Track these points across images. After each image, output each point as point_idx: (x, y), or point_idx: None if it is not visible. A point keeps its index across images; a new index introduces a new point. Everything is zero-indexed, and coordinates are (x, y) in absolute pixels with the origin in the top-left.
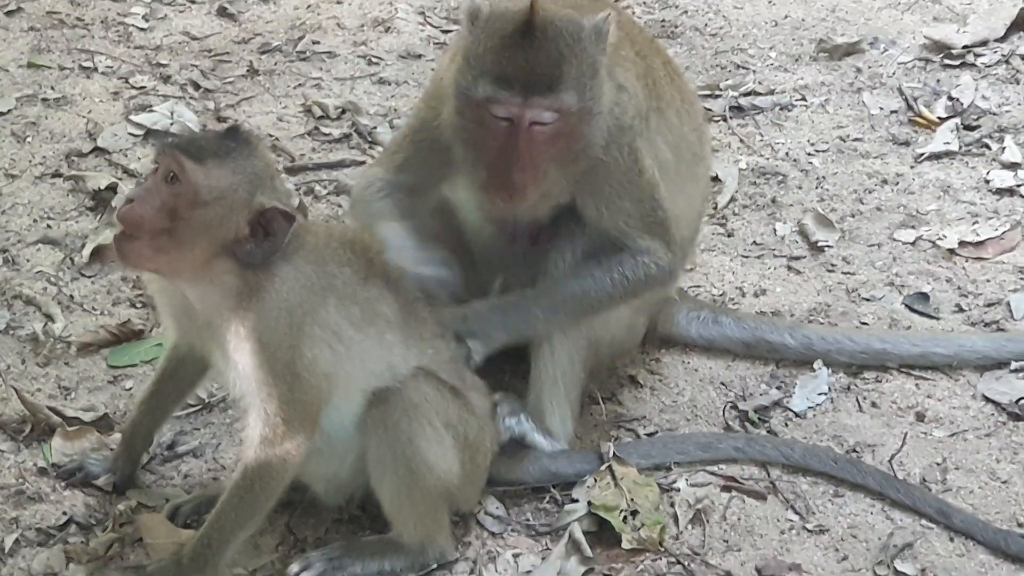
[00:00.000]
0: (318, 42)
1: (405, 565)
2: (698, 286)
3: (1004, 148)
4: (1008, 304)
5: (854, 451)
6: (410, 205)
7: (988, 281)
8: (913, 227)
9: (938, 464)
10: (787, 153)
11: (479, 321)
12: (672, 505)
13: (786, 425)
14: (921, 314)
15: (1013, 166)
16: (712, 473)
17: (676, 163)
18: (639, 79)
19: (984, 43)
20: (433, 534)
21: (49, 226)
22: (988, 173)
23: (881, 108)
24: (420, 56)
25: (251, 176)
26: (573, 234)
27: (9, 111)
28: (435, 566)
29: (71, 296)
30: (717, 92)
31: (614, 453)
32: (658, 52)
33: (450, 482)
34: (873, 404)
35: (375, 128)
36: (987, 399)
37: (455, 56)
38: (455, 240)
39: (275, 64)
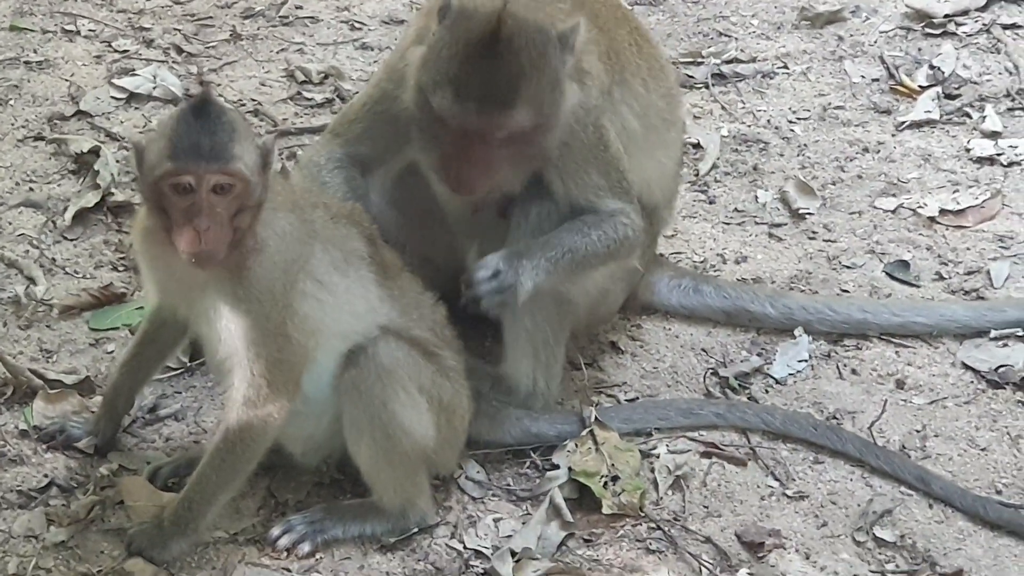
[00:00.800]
0: (301, 7)
1: (386, 528)
2: (679, 252)
3: (985, 117)
4: (988, 272)
5: (834, 418)
6: (363, 184)
7: (968, 249)
8: (894, 195)
9: (918, 431)
10: (769, 121)
11: (520, 261)
12: (652, 471)
13: (767, 392)
14: (901, 282)
15: (993, 135)
16: (692, 439)
17: (644, 132)
18: (601, 58)
19: (965, 12)
20: (413, 498)
21: (31, 189)
22: (969, 142)
23: (863, 76)
24: (403, 22)
25: (247, 130)
26: (543, 203)
27: None
28: (416, 529)
29: (53, 259)
30: (699, 59)
31: (595, 418)
32: (625, 21)
33: (427, 446)
34: (853, 371)
35: (357, 93)
36: (967, 367)
37: (420, 37)
38: (429, 204)
39: (258, 29)
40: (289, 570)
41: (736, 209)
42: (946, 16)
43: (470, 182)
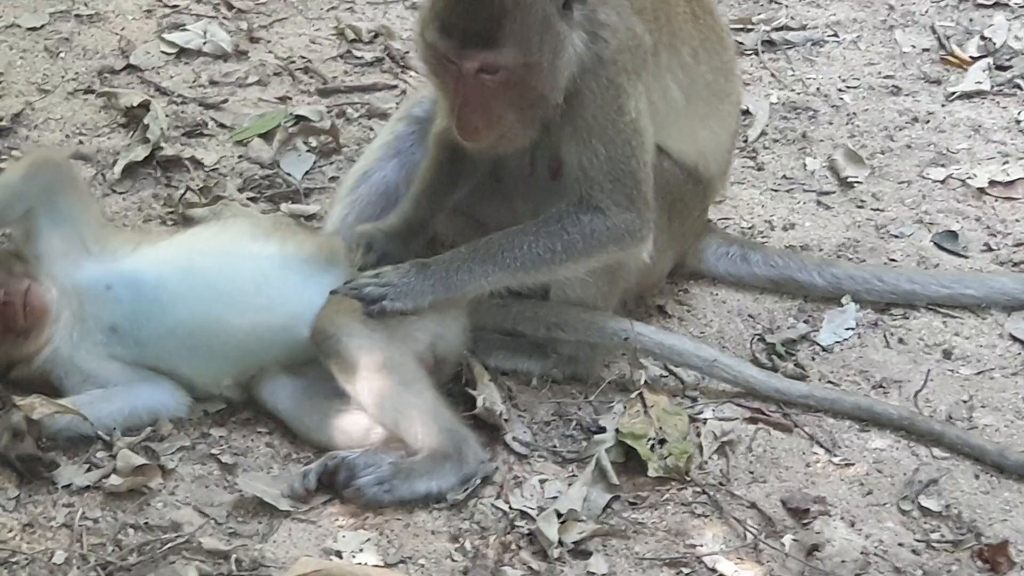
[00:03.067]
0: None
1: (451, 482)
2: (727, 218)
3: None
4: None
5: (880, 386)
6: (409, 142)
7: (1017, 221)
8: (943, 165)
9: (964, 402)
10: (818, 88)
11: (398, 280)
12: (698, 435)
13: (813, 359)
14: (949, 252)
15: None
16: (739, 405)
17: (687, 102)
18: (638, 13)
19: None
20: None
21: (81, 142)
22: (1019, 113)
23: (913, 46)
24: None
25: None
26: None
27: (42, 26)
28: (480, 478)
29: (102, 212)
30: (749, 26)
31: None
32: None
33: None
34: (900, 340)
35: (407, 53)
36: (1014, 338)
37: None
38: (486, 179)
39: None
40: (339, 524)
41: (784, 176)
42: None
43: (474, 126)
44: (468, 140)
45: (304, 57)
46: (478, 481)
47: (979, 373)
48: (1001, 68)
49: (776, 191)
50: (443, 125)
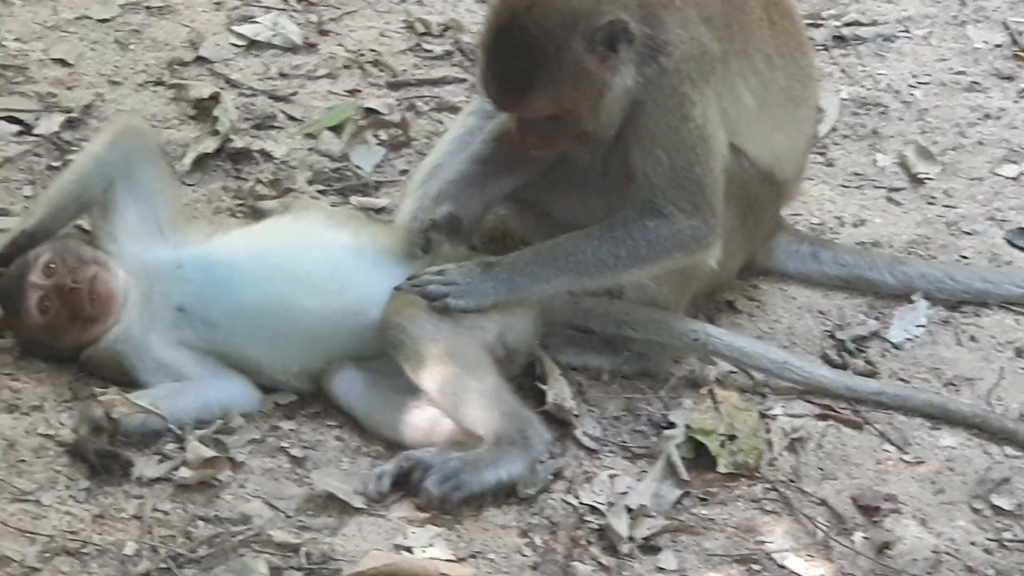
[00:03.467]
0: None
1: (519, 469)
2: (797, 214)
3: None
4: None
5: (951, 384)
6: (480, 135)
7: None
8: (1015, 162)
9: None
10: (889, 84)
11: (462, 279)
12: (768, 432)
13: (883, 356)
14: (1022, 249)
15: None
16: (809, 401)
17: (760, 108)
18: (706, 22)
19: None
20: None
21: (155, 137)
22: None
23: (985, 42)
24: None
25: None
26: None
27: (113, 18)
28: (548, 459)
29: (180, 206)
30: (819, 21)
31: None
32: None
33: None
34: (972, 338)
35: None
36: None
37: None
38: (558, 175)
39: None
40: (408, 520)
41: (855, 172)
42: None
43: (533, 147)
44: (531, 154)
45: (374, 50)
46: (550, 476)
47: None
48: None
49: (846, 187)
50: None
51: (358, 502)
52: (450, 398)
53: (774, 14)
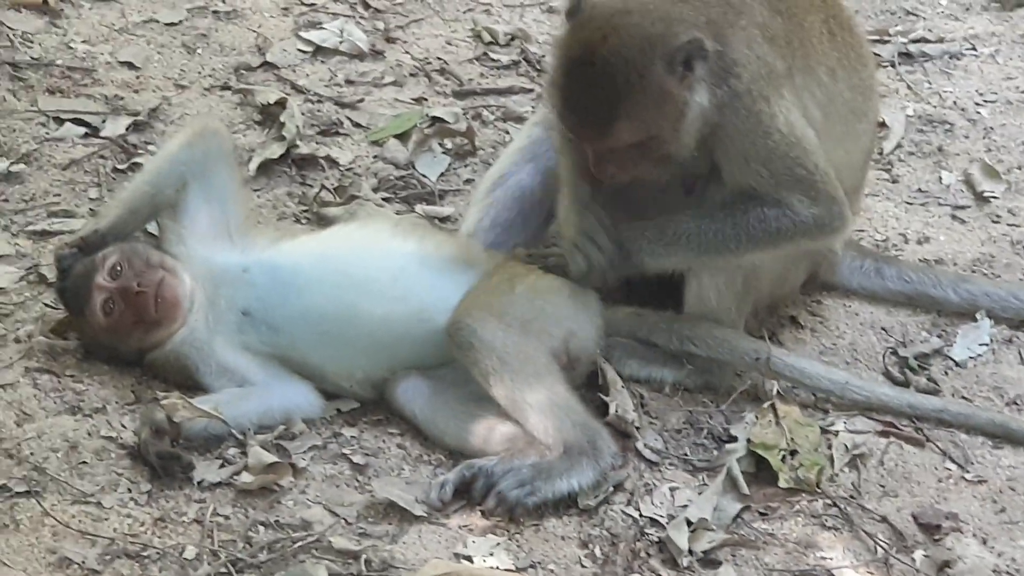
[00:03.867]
0: None
1: (589, 478)
2: (862, 230)
3: None
4: None
5: (1014, 403)
6: (545, 146)
7: None
8: None
9: None
10: (955, 102)
11: (582, 252)
12: (830, 447)
13: (946, 374)
14: None
15: None
16: (870, 418)
17: (826, 121)
18: (770, 42)
19: None
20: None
21: (231, 139)
22: None
23: None
24: None
25: None
26: (721, 185)
27: (180, 22)
28: (615, 467)
29: (248, 211)
30: (886, 38)
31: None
32: (820, 7)
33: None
34: None
35: (544, 57)
36: None
37: None
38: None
39: None
40: (468, 528)
41: (920, 189)
42: None
43: (606, 176)
44: (609, 184)
45: (440, 58)
46: (610, 488)
47: None
48: None
49: (911, 204)
50: None
51: (419, 510)
52: (518, 404)
53: (834, 27)
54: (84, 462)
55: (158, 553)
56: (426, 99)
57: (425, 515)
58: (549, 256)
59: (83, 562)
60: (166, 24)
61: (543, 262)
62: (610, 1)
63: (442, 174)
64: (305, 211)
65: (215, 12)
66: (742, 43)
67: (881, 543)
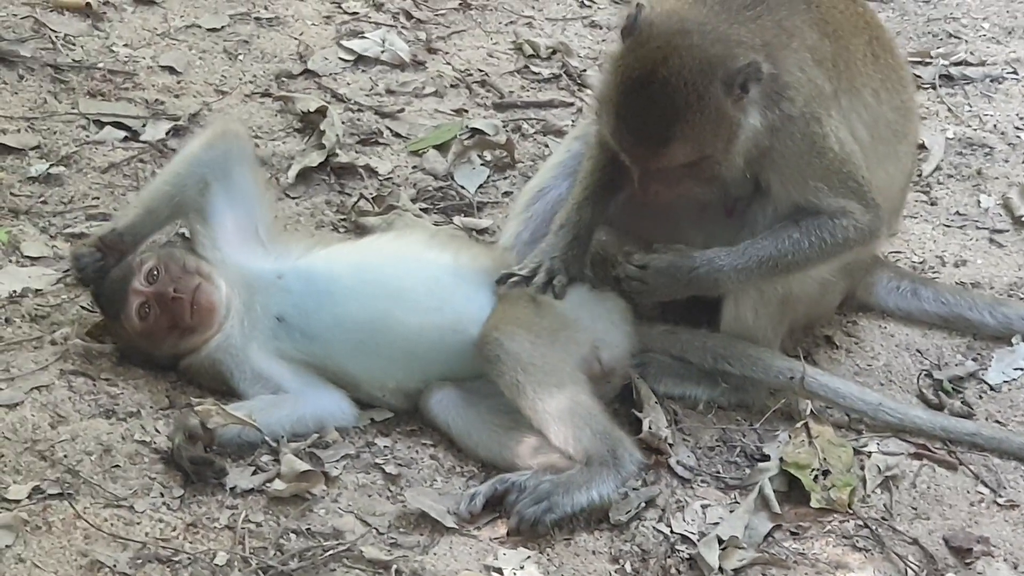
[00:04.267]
0: None
1: (610, 488)
2: (899, 252)
3: None
4: None
5: None
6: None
7: None
8: None
9: None
10: (995, 125)
11: (657, 275)
12: (862, 468)
13: (980, 397)
14: None
15: None
16: (904, 440)
17: (872, 142)
18: (819, 64)
19: None
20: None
21: (256, 145)
22: None
23: None
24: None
25: None
26: (766, 202)
27: (222, 28)
28: (639, 478)
29: (275, 216)
30: (927, 60)
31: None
32: (865, 29)
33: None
34: None
35: (584, 71)
36: None
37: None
38: (657, 206)
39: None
40: (499, 541)
41: (958, 212)
42: None
43: (655, 196)
44: (651, 203)
45: (481, 70)
46: (642, 504)
47: None
48: None
49: (949, 227)
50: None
51: (450, 522)
52: (543, 415)
53: (877, 49)
54: (117, 466)
55: (189, 558)
56: (466, 111)
57: (456, 527)
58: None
59: (114, 566)
60: (208, 29)
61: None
62: (668, 20)
63: (481, 186)
64: (343, 220)
65: (257, 19)
66: (795, 66)
67: (912, 566)
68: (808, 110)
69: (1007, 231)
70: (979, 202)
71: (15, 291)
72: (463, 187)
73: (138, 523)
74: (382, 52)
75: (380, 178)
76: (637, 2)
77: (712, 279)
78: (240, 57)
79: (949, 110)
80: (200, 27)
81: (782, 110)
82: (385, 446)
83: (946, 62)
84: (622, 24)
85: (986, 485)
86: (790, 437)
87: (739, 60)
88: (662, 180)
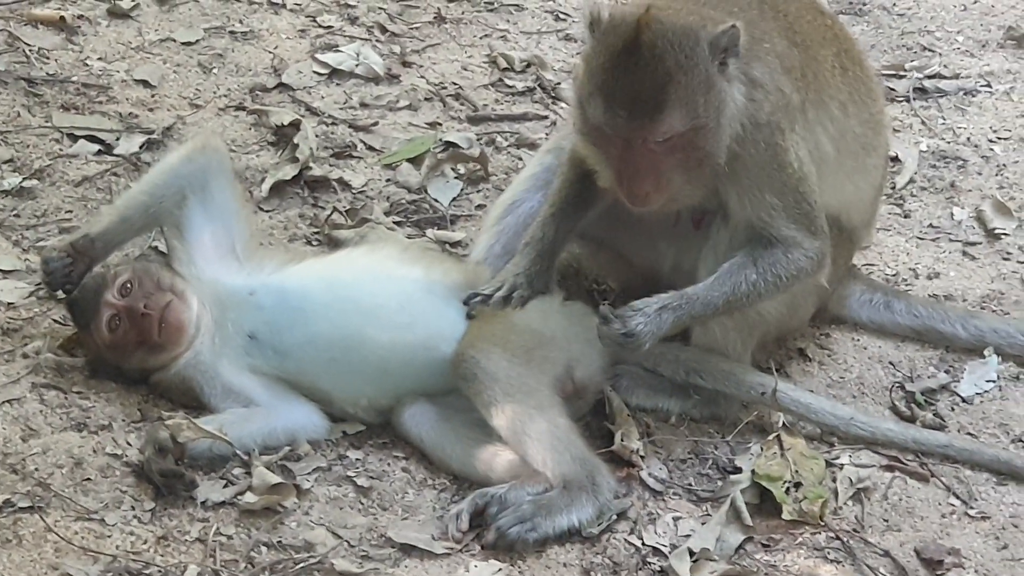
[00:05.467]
0: None
1: (589, 515)
2: (872, 264)
3: None
4: None
5: (1020, 440)
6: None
7: None
8: None
9: None
10: (968, 138)
11: (643, 324)
12: (834, 480)
13: (952, 410)
14: None
15: None
16: (876, 452)
17: (837, 155)
18: (787, 73)
19: None
20: (592, 472)
21: (230, 158)
22: None
23: None
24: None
25: None
26: (730, 221)
27: (197, 41)
28: (616, 512)
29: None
30: (901, 73)
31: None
32: (832, 41)
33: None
34: None
35: (559, 84)
36: None
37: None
38: (631, 219)
39: (462, 13)
40: (471, 553)
41: (931, 225)
42: None
43: (644, 194)
44: (637, 206)
45: (456, 83)
46: (613, 516)
47: None
48: None
49: (922, 239)
50: (580, 150)
51: (440, 548)
52: (520, 435)
53: (845, 61)
54: (88, 479)
55: (160, 571)
56: (440, 124)
57: (447, 552)
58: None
59: None
60: (183, 43)
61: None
62: (636, 7)
63: (454, 199)
64: (316, 233)
65: (232, 32)
66: (765, 67)
67: None
68: (774, 119)
69: (980, 243)
70: (952, 215)
71: None
72: (436, 200)
73: (109, 536)
74: (356, 65)
75: (354, 191)
76: (595, 2)
77: (680, 321)
78: (214, 71)
79: (923, 123)
80: (175, 40)
81: (752, 112)
82: (357, 459)
83: (920, 75)
84: (587, 20)
85: (958, 497)
86: (762, 449)
87: (720, 26)
88: (652, 171)
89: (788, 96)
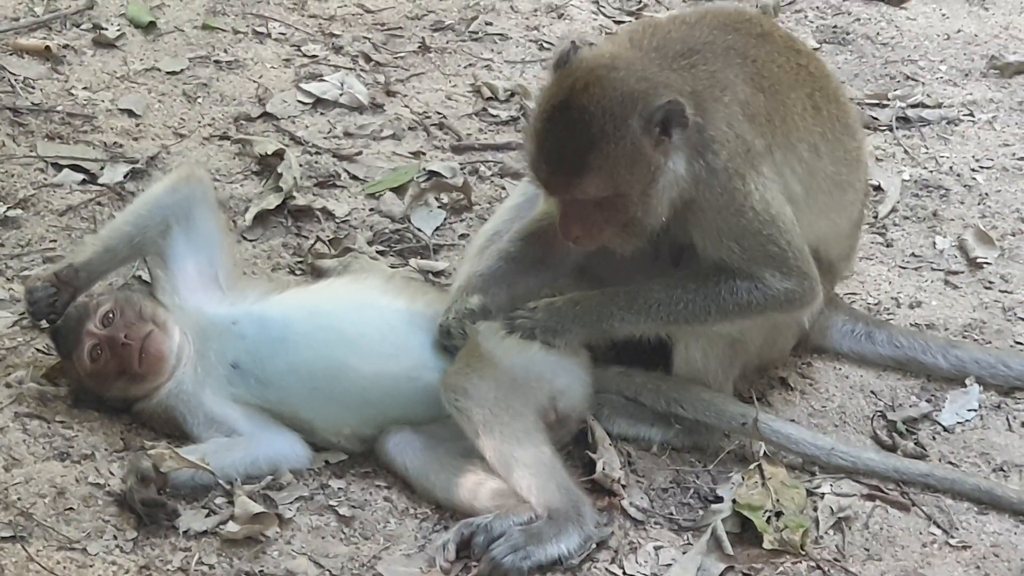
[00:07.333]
0: (491, 23)
1: (577, 543)
2: (854, 293)
3: None
4: None
5: (1001, 470)
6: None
7: None
8: None
9: None
10: (951, 167)
11: (550, 316)
12: (815, 510)
13: (933, 439)
14: None
15: None
16: (857, 481)
17: (808, 196)
18: (750, 120)
19: None
20: (577, 502)
21: (214, 188)
22: None
23: None
24: (592, 45)
25: None
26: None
27: (182, 71)
28: (598, 541)
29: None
30: (884, 102)
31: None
32: (806, 81)
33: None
34: (1023, 424)
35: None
36: None
37: None
38: (610, 251)
39: (447, 42)
40: None
41: (913, 254)
42: None
43: (574, 237)
44: (571, 243)
45: (439, 113)
46: (593, 545)
47: None
48: None
49: (904, 268)
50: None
51: None
52: (507, 463)
53: (819, 100)
54: (71, 508)
55: None
56: (424, 153)
57: None
58: (517, 318)
59: None
60: (167, 72)
61: (510, 324)
62: (599, 58)
63: (437, 228)
64: (300, 262)
65: (216, 62)
66: (722, 119)
67: None
68: (732, 165)
69: (962, 272)
70: (935, 244)
71: None
72: (420, 229)
73: (91, 566)
74: (340, 95)
75: (337, 220)
76: (572, 40)
77: (601, 319)
78: (199, 100)
79: (906, 152)
80: (159, 70)
81: (706, 162)
82: (339, 488)
83: (903, 104)
84: (555, 57)
85: (938, 526)
86: (743, 478)
87: (661, 98)
88: (581, 220)
89: (749, 142)
